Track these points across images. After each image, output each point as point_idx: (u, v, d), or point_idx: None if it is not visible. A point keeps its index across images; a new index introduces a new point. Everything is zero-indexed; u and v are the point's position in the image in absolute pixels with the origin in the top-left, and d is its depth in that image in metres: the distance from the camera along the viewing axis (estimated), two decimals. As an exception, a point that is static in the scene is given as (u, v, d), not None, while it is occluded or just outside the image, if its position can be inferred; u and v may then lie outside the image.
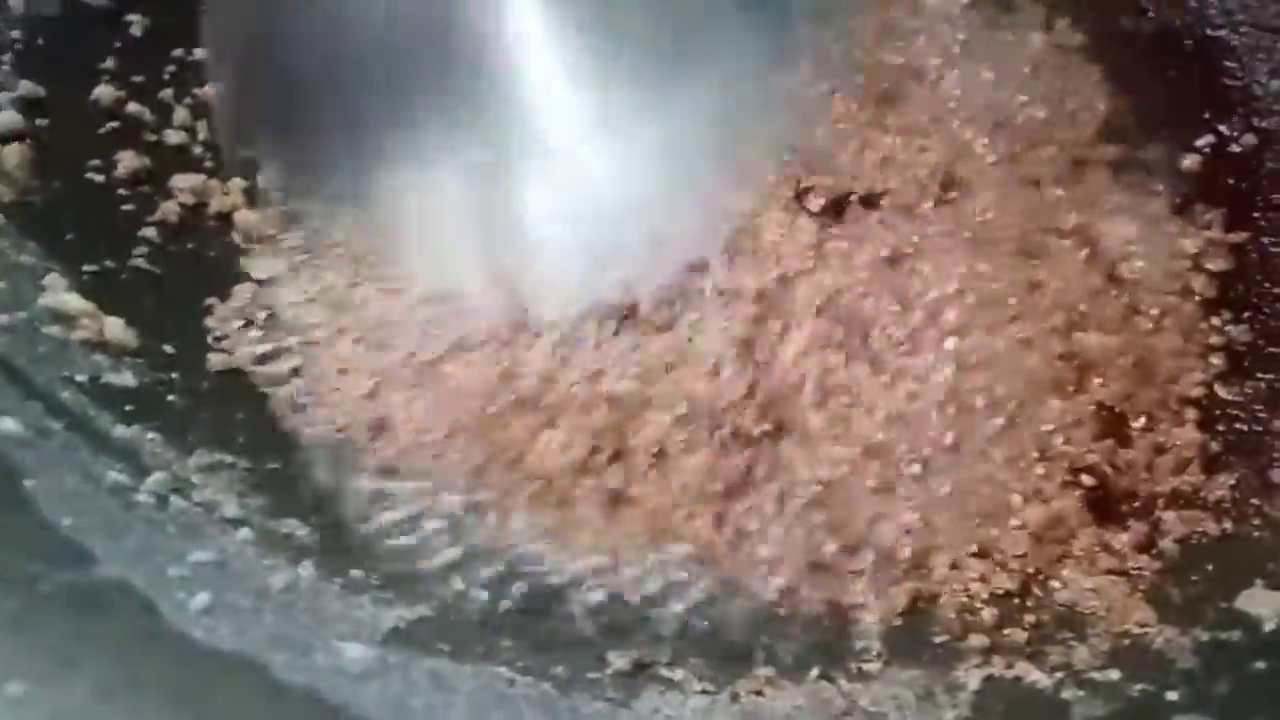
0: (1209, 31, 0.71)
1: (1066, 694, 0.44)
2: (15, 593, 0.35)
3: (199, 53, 0.62)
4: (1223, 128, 0.66)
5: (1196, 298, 0.60)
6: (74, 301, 0.49)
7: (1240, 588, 0.48)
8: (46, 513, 0.38)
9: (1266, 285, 0.61)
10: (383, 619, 0.42)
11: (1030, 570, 0.50)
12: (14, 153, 0.53)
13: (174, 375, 0.49)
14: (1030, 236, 0.60)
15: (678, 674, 0.44)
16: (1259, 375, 0.58)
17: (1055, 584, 0.49)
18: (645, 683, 0.43)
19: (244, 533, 0.43)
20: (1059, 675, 0.45)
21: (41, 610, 0.35)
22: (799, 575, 0.48)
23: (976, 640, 0.47)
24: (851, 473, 0.51)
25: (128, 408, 0.46)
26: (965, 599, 0.49)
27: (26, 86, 0.54)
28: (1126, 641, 0.46)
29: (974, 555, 0.50)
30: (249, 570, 0.41)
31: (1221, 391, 0.57)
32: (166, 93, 0.60)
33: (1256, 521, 0.52)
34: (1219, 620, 0.46)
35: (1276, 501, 0.52)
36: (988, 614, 0.48)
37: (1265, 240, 0.62)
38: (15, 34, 0.56)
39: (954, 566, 0.50)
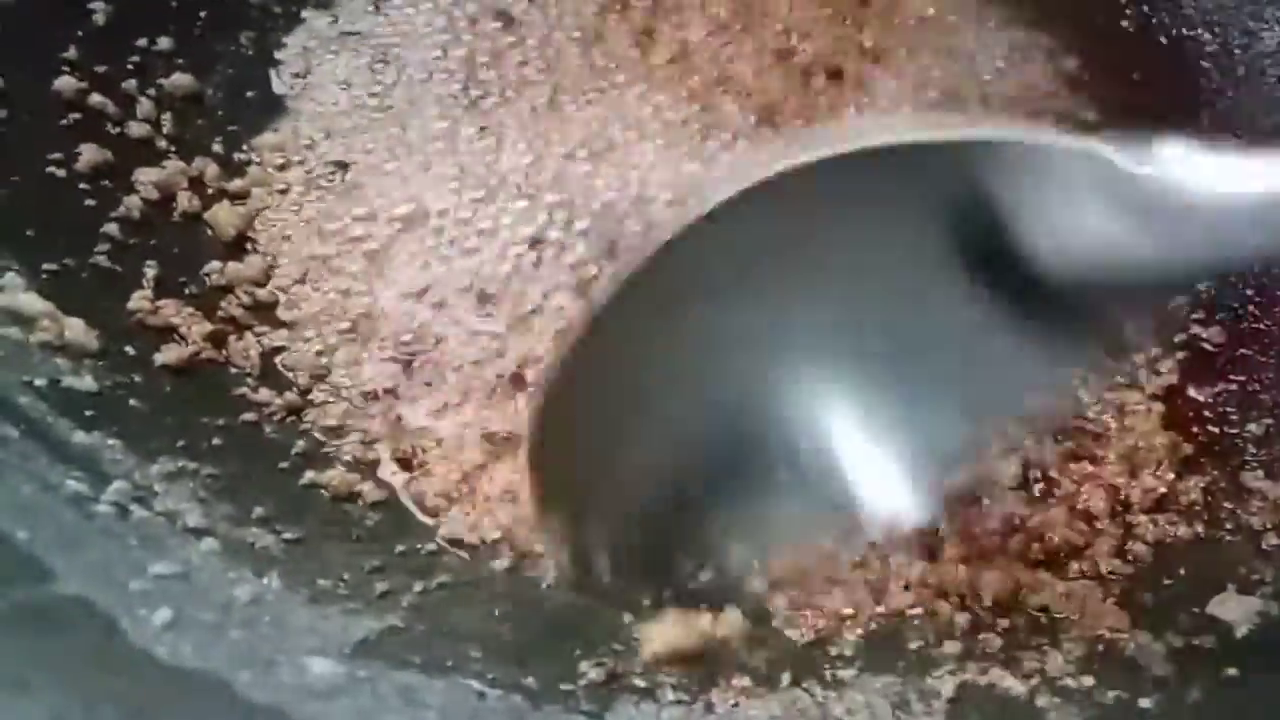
0: (1185, 30, 0.71)
1: (1041, 701, 0.44)
2: (-34, 611, 0.34)
3: (163, 42, 0.61)
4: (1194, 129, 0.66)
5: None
6: (32, 301, 0.48)
7: (1212, 592, 0.48)
8: (1, 525, 0.37)
9: (1239, 287, 0.61)
10: (351, 630, 0.41)
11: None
12: (-31, 146, 0.51)
13: (136, 378, 0.48)
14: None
15: (651, 684, 0.43)
16: (1231, 377, 0.58)
17: (1028, 588, 0.49)
18: (619, 693, 0.43)
19: (208, 543, 0.42)
20: (1033, 682, 0.44)
21: (-4, 625, 0.34)
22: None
23: (950, 647, 0.47)
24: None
25: (88, 413, 0.45)
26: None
27: (-18, 76, 0.53)
28: (1100, 647, 0.46)
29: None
30: (213, 583, 0.40)
31: (1193, 393, 0.58)
32: (130, 84, 0.59)
33: (1229, 525, 0.52)
34: (1192, 626, 0.47)
35: (1249, 505, 0.52)
36: (961, 619, 0.48)
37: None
38: (-28, 21, 0.54)
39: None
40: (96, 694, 0.33)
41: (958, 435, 0.48)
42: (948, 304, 0.44)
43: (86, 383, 0.46)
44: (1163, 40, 0.71)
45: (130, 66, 0.60)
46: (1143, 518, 0.52)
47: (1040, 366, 0.47)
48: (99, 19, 0.59)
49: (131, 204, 0.55)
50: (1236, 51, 0.71)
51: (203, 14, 0.64)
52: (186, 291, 0.54)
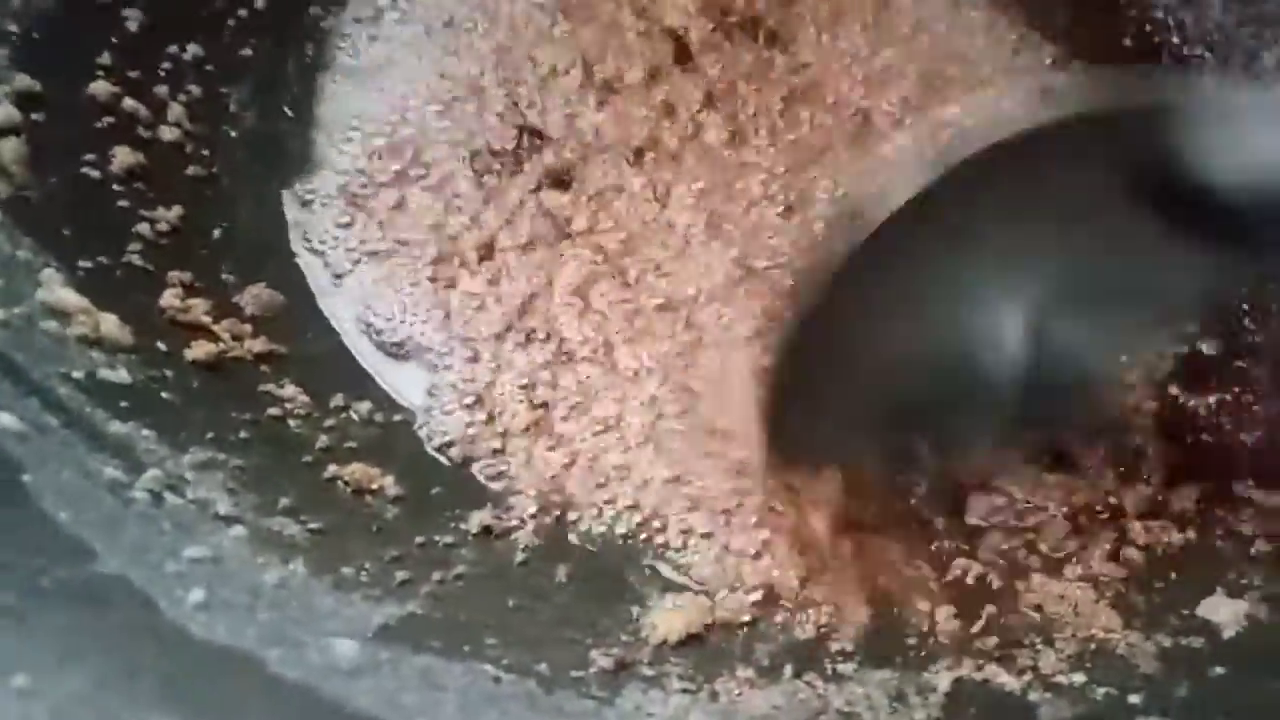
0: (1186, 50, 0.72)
1: (1034, 696, 0.45)
2: (16, 586, 0.36)
3: (193, 49, 0.63)
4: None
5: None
6: (70, 297, 0.49)
7: (1202, 595, 0.50)
8: (46, 507, 0.39)
9: (1236, 300, 0.63)
10: (372, 616, 0.43)
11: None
12: (10, 148, 0.53)
13: (167, 373, 0.50)
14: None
15: (659, 673, 0.45)
16: (1227, 388, 0.60)
17: (1024, 589, 0.51)
18: (627, 681, 0.44)
19: (237, 530, 0.44)
20: (1026, 678, 0.46)
21: (42, 604, 0.36)
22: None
23: (948, 643, 0.48)
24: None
25: (122, 404, 0.47)
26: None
27: (23, 81, 0.54)
28: (1092, 646, 0.48)
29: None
30: (243, 567, 0.42)
31: (1189, 403, 0.59)
32: (162, 89, 0.61)
33: (1219, 532, 0.53)
34: (1181, 627, 0.48)
35: (1240, 513, 0.54)
36: (962, 617, 0.50)
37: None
38: (12, 28, 0.56)
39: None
40: (138, 665, 0.35)
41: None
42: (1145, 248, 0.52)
43: (121, 375, 0.48)
44: (1164, 60, 0.73)
45: (162, 72, 0.61)
46: (1136, 524, 0.54)
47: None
48: (132, 26, 0.61)
49: (164, 215, 0.56)
50: (1237, 70, 0.73)
51: (230, 22, 0.65)
52: (215, 291, 0.55)
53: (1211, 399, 0.59)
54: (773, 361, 0.52)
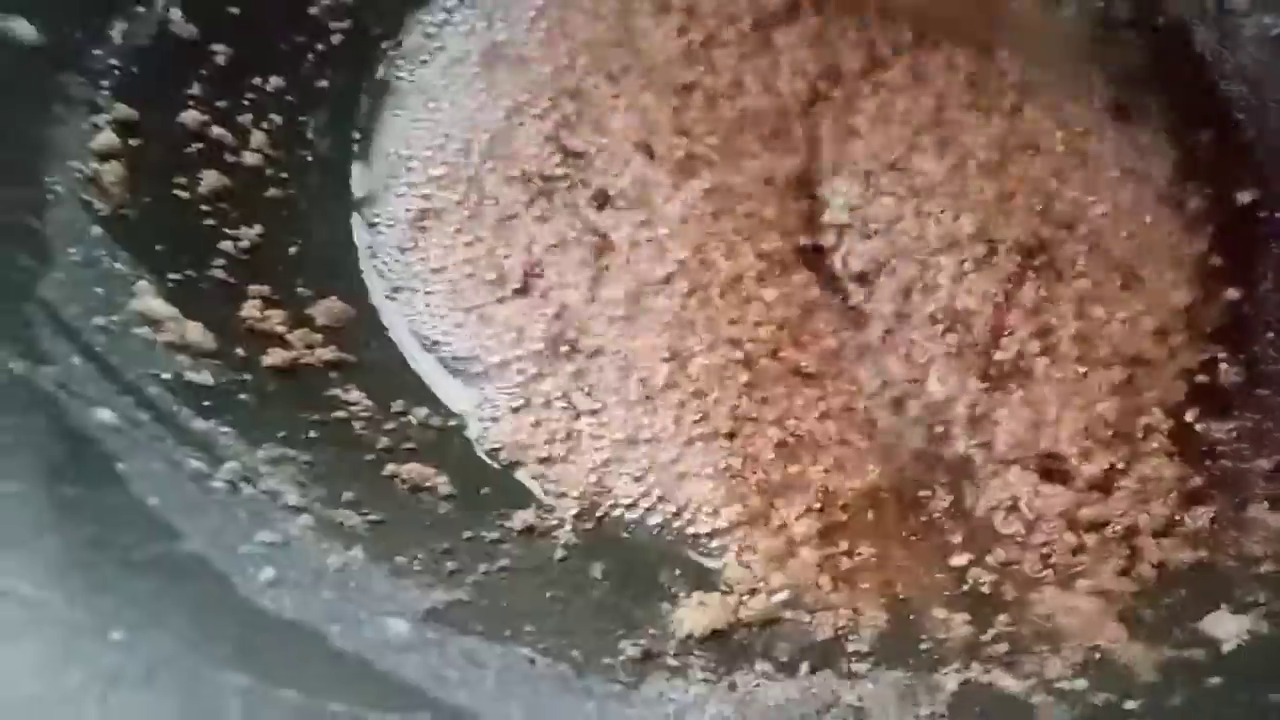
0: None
1: (1035, 699, 0.48)
2: (113, 559, 0.40)
3: (275, 81, 0.68)
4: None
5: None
6: (160, 307, 0.54)
7: (1207, 611, 0.52)
8: (137, 493, 0.44)
9: (1261, 330, 0.65)
10: (423, 600, 0.47)
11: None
12: (111, 170, 0.58)
13: (246, 376, 0.55)
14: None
15: (682, 664, 0.49)
16: (1246, 415, 0.62)
17: (1037, 600, 0.53)
18: (653, 669, 0.48)
19: (304, 519, 0.48)
20: (1030, 682, 0.49)
21: (135, 574, 0.40)
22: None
23: (959, 648, 0.51)
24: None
25: (205, 403, 0.51)
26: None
27: (122, 110, 0.59)
28: (1097, 655, 0.50)
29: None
30: (308, 551, 0.47)
31: (1211, 429, 0.61)
32: (246, 118, 0.66)
33: (1230, 551, 0.55)
34: (1184, 640, 0.50)
35: (1251, 535, 0.56)
36: (974, 624, 0.53)
37: (1260, 287, 0.66)
38: (113, 62, 0.61)
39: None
40: (215, 631, 0.39)
41: None
42: None
43: (204, 378, 0.53)
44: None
45: (246, 102, 0.66)
46: (1150, 541, 0.56)
47: None
48: (220, 60, 0.66)
49: (245, 233, 0.61)
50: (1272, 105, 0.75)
51: (309, 55, 0.70)
52: (290, 303, 0.60)
53: (1231, 425, 0.61)
54: None
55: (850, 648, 0.52)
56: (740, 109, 0.70)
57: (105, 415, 0.47)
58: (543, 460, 0.59)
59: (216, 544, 0.44)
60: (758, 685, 0.48)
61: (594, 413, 0.60)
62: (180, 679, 0.37)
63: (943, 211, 0.66)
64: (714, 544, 0.56)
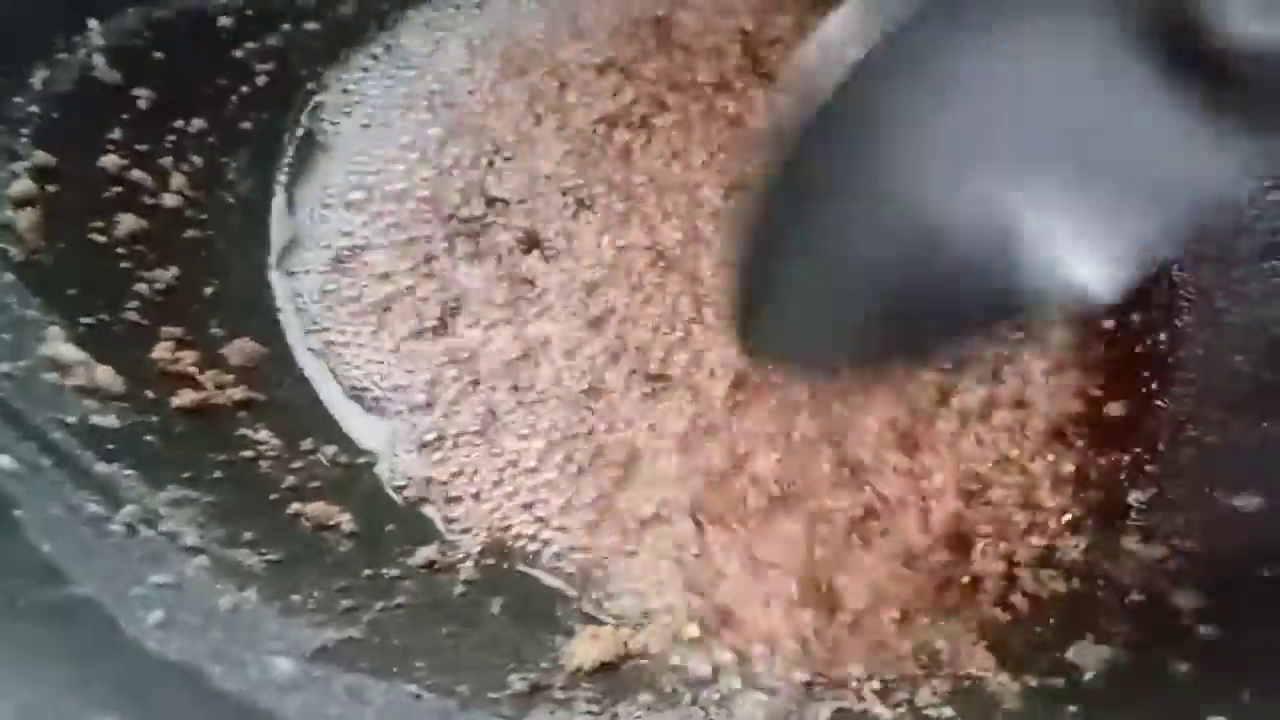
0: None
1: (904, 728, 0.50)
2: (-1, 605, 0.42)
3: (197, 123, 0.70)
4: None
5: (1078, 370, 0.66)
6: (70, 352, 0.56)
7: (1073, 640, 0.54)
8: (31, 539, 0.46)
9: (1146, 364, 0.68)
10: (314, 639, 0.49)
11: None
12: (26, 217, 0.59)
13: (153, 418, 0.56)
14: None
15: (568, 697, 0.51)
16: (1125, 449, 0.64)
17: (910, 630, 0.56)
18: (538, 702, 0.50)
19: (200, 560, 0.50)
20: (900, 710, 0.51)
21: (17, 619, 0.42)
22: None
23: (836, 679, 0.53)
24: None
25: (109, 446, 0.53)
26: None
27: (40, 156, 0.61)
28: (966, 684, 0.53)
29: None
30: (201, 592, 0.48)
31: (1090, 461, 0.64)
32: (166, 160, 0.67)
33: (1101, 582, 0.58)
34: (1049, 669, 0.53)
35: (1123, 566, 0.58)
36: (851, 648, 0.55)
37: (1150, 316, 0.69)
38: (33, 109, 0.63)
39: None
40: (94, 674, 0.41)
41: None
42: (1128, 105, 0.43)
43: (110, 421, 0.54)
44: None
45: (168, 145, 0.68)
46: (1025, 572, 0.59)
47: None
48: (142, 104, 0.68)
49: (161, 275, 0.62)
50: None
51: (233, 97, 0.72)
52: (203, 344, 0.62)
53: (1111, 458, 0.64)
54: (737, 250, 0.44)
55: (730, 681, 0.53)
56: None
57: (5, 461, 0.49)
58: (450, 499, 0.60)
59: (107, 588, 0.45)
60: (639, 716, 0.50)
61: (504, 451, 0.62)
62: (52, 723, 0.39)
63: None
64: (611, 581, 0.58)
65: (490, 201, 0.71)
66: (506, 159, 0.73)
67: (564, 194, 0.72)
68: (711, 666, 0.54)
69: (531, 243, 0.70)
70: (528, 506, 0.61)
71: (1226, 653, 0.51)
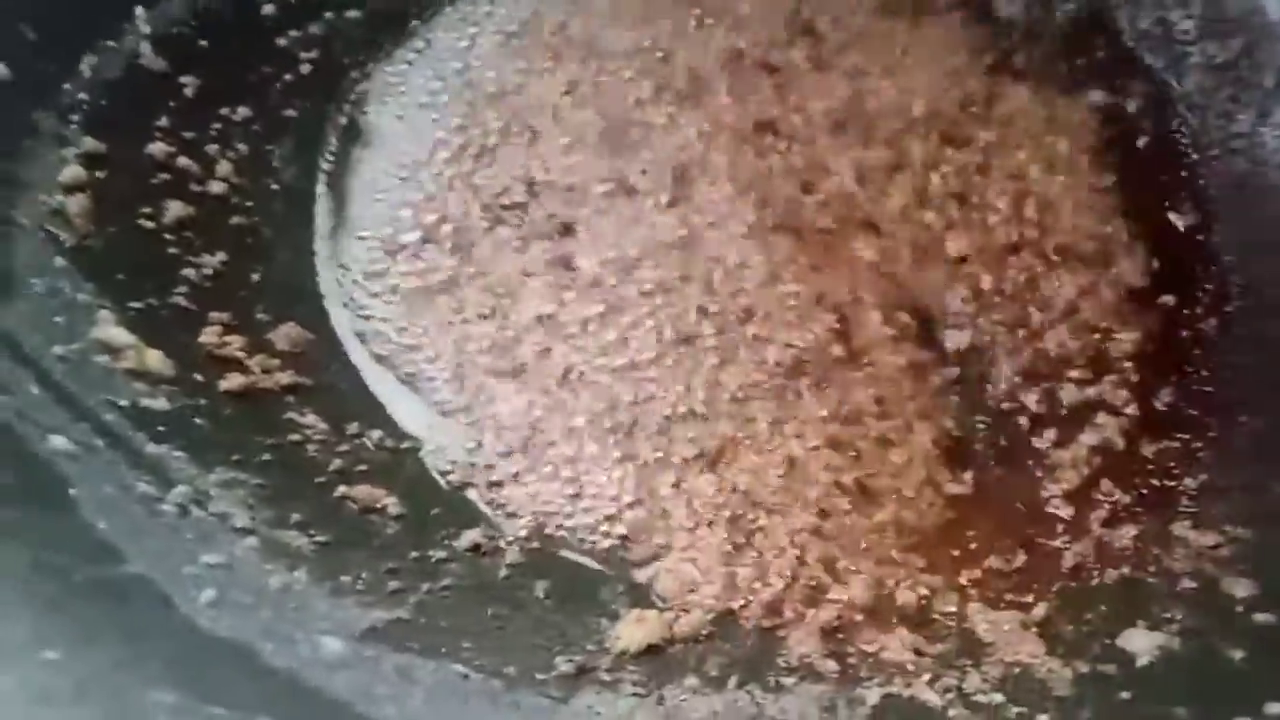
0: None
1: (953, 712, 0.50)
2: (53, 580, 0.42)
3: (242, 110, 0.70)
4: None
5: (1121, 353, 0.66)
6: (120, 335, 0.56)
7: (1125, 627, 0.53)
8: (86, 516, 0.46)
9: (1192, 350, 0.67)
10: (362, 619, 0.49)
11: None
12: (76, 202, 0.60)
13: (202, 401, 0.57)
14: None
15: (614, 679, 0.51)
16: (1176, 435, 0.63)
17: (961, 616, 0.55)
18: (584, 684, 0.50)
19: (250, 540, 0.51)
20: (949, 696, 0.51)
21: (74, 596, 0.42)
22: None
23: (885, 663, 0.53)
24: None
25: (160, 428, 0.53)
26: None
27: (89, 143, 0.62)
28: (1016, 670, 0.52)
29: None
30: (252, 572, 0.49)
31: (1141, 449, 0.63)
32: (212, 147, 0.68)
33: (1152, 569, 0.57)
34: (1100, 655, 0.52)
35: (1174, 552, 0.58)
36: (900, 639, 0.55)
37: (1195, 309, 0.68)
38: (82, 96, 0.64)
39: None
40: (149, 650, 0.42)
41: None
42: None
43: (161, 403, 0.55)
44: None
45: (213, 132, 0.68)
46: (1074, 559, 0.58)
47: None
48: (189, 91, 0.68)
49: (208, 261, 0.63)
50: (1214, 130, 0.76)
51: (277, 85, 0.73)
52: (250, 329, 0.62)
53: (1160, 445, 0.63)
54: None
55: (780, 663, 0.53)
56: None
57: (60, 442, 0.49)
58: (493, 483, 0.61)
59: (160, 566, 0.46)
60: (685, 699, 0.50)
61: (548, 435, 0.62)
62: (109, 697, 0.39)
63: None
64: (655, 562, 0.58)
65: (530, 187, 0.71)
66: (546, 145, 0.73)
67: (602, 180, 0.71)
68: (757, 651, 0.53)
69: (570, 227, 0.69)
70: (571, 491, 0.61)
71: (1282, 640, 0.50)
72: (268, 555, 0.50)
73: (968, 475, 0.61)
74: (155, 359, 0.57)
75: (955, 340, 0.66)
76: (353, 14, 0.77)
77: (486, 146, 0.73)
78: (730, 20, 0.78)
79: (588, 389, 0.64)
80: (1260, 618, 0.52)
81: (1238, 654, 0.51)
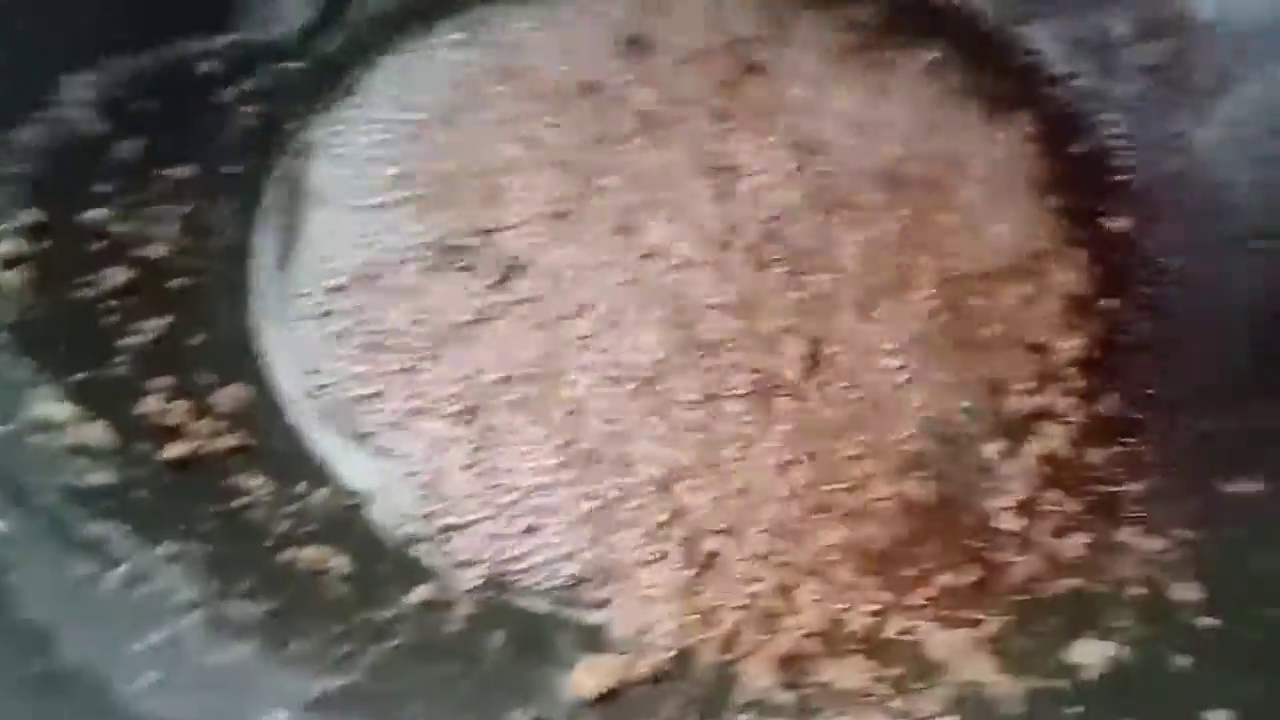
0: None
1: (905, 738, 0.50)
2: (-7, 680, 0.43)
3: (182, 170, 0.70)
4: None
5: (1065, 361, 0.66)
6: (60, 410, 0.56)
7: (1075, 639, 0.54)
8: (22, 606, 0.46)
9: (1135, 354, 0.67)
10: (311, 688, 0.49)
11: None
12: (16, 276, 0.60)
13: (144, 472, 0.57)
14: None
15: (569, 728, 0.51)
16: (1121, 440, 0.64)
17: (912, 636, 0.55)
18: (536, 735, 0.50)
19: (196, 615, 0.50)
20: (901, 720, 0.51)
21: (11, 695, 0.42)
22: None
23: (840, 693, 0.53)
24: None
25: (102, 505, 0.53)
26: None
27: (30, 214, 0.62)
28: (967, 690, 0.52)
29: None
30: (197, 649, 0.49)
31: (1088, 456, 0.63)
32: (153, 210, 0.68)
33: (1101, 578, 0.57)
34: (1050, 670, 0.52)
35: (1122, 560, 0.58)
36: (854, 665, 0.55)
37: (1135, 310, 0.69)
38: (18, 169, 0.64)
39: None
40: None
41: None
42: None
43: (102, 479, 0.55)
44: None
45: (154, 195, 0.68)
46: (1024, 571, 0.58)
47: None
48: (128, 155, 0.68)
49: (149, 326, 0.63)
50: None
51: (219, 141, 0.73)
52: (193, 393, 0.62)
53: (1110, 451, 0.63)
54: None
55: (737, 700, 0.53)
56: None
57: (-2, 527, 0.49)
58: (443, 531, 0.61)
59: (100, 651, 0.46)
60: (638, 744, 0.50)
61: (499, 481, 0.62)
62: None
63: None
64: (607, 606, 0.58)
65: (479, 233, 0.71)
66: (493, 190, 0.73)
67: (552, 220, 0.71)
68: (714, 689, 0.53)
69: (522, 268, 0.70)
70: (526, 532, 0.61)
71: (1226, 645, 0.51)
72: (213, 629, 0.50)
73: (921, 491, 0.61)
74: (96, 432, 0.57)
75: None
76: (293, 65, 0.77)
77: (432, 194, 0.73)
78: (684, 55, 0.78)
79: (542, 435, 0.64)
80: (1205, 622, 0.52)
81: (1185, 661, 0.51)
